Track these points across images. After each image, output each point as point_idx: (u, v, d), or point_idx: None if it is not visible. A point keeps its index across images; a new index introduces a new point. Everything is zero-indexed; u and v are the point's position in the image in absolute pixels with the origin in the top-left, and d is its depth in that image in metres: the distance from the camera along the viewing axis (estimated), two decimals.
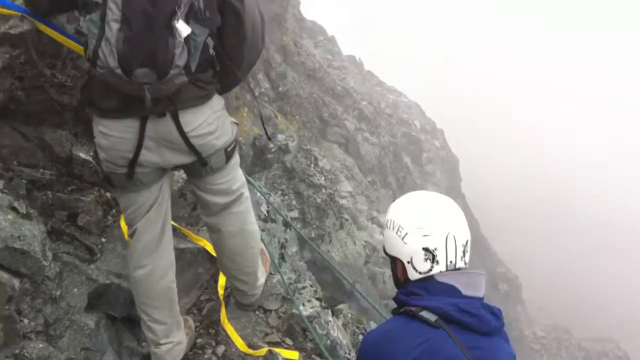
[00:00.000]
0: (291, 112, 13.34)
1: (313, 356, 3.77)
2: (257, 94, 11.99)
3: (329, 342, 3.88)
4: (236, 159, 2.97)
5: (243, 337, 3.58)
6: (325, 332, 3.90)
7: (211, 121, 2.64)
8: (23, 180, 3.04)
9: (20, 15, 2.69)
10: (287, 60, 14.53)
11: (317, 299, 4.17)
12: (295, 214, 9.34)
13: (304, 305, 4.01)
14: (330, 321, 4.03)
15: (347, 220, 10.74)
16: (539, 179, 48.15)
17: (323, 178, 10.38)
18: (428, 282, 1.84)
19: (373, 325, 9.01)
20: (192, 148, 2.61)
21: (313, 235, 9.42)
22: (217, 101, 2.70)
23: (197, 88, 2.53)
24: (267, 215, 5.16)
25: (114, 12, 2.14)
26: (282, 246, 5.34)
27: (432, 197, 2.02)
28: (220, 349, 3.47)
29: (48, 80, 3.06)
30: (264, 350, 3.52)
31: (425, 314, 1.76)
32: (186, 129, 2.53)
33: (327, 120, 14.79)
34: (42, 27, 2.75)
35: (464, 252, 1.87)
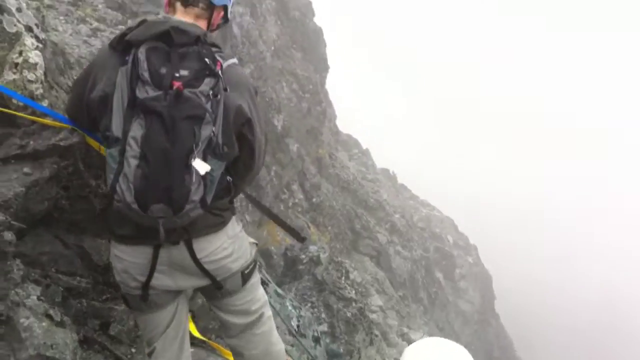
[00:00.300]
0: (324, 223, 13.43)
1: None
2: (290, 204, 12.17)
3: None
4: (255, 279, 2.91)
5: None
6: None
7: (226, 246, 2.62)
8: (60, 288, 3.08)
9: (70, 127, 2.84)
10: (322, 172, 14.83)
11: None
12: (324, 327, 9.17)
13: None
14: None
15: (377, 336, 10.50)
16: (579, 301, 46.70)
17: (354, 291, 10.28)
18: None
19: None
20: (205, 272, 2.58)
21: (342, 350, 9.20)
22: (233, 226, 2.68)
23: (213, 216, 2.53)
24: (297, 329, 5.10)
25: (133, 148, 2.19)
26: None
27: (445, 349, 1.98)
28: None
29: (93, 190, 3.15)
30: None
31: None
32: (199, 255, 2.52)
33: (359, 232, 14.83)
34: (90, 141, 2.89)
35: None
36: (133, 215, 2.24)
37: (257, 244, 2.95)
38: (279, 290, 5.02)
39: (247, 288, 2.81)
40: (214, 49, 2.41)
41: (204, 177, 2.26)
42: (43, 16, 3.38)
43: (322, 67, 17.05)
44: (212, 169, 2.30)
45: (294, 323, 5.01)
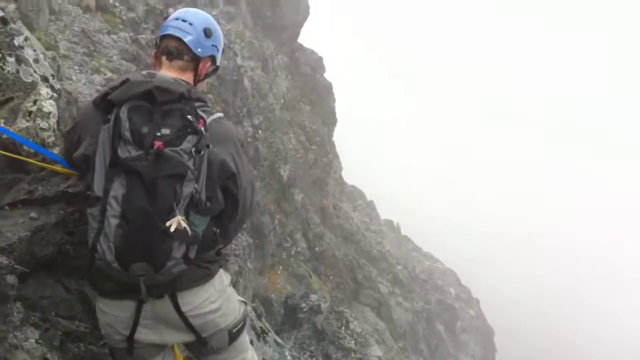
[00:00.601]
0: (325, 273, 13.45)
1: None
2: (293, 252, 12.22)
3: None
4: (243, 338, 2.82)
5: None
6: None
7: (214, 299, 2.56)
8: (59, 332, 3.06)
9: (78, 174, 2.80)
10: (326, 222, 14.93)
11: None
12: None
13: None
14: None
15: None
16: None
17: (353, 342, 10.21)
18: None
19: None
20: (191, 327, 2.50)
21: None
22: (221, 279, 2.63)
23: (199, 268, 2.48)
24: None
25: (113, 207, 2.21)
26: None
27: None
28: None
29: None
30: None
31: None
32: (185, 308, 2.46)
33: (360, 282, 14.81)
34: None
35: None
36: (114, 273, 2.24)
37: (246, 303, 2.89)
38: (279, 340, 5.02)
39: (235, 347, 2.75)
40: (197, 104, 2.43)
41: (185, 234, 2.24)
42: (59, 66, 3.50)
43: (330, 120, 17.37)
44: (195, 225, 2.29)
45: None
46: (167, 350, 2.72)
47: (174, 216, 2.20)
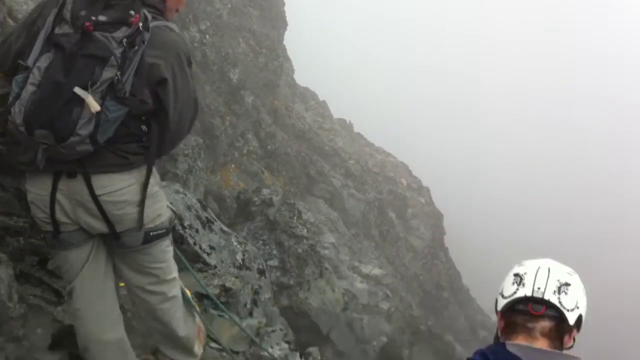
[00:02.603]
0: (278, 169, 14.03)
1: None
2: (245, 151, 12.77)
3: None
4: (162, 247, 2.87)
5: None
6: None
7: (133, 192, 2.60)
8: None
9: (4, 76, 2.76)
10: (278, 122, 15.35)
11: (286, 342, 4.44)
12: (275, 262, 9.98)
13: (272, 347, 4.25)
14: None
15: (327, 269, 11.36)
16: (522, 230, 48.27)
17: (305, 230, 11.02)
18: (498, 347, 1.75)
19: None
20: (104, 215, 2.57)
21: (292, 282, 10.06)
22: (141, 174, 2.65)
23: (116, 156, 2.52)
24: (242, 263, 5.68)
25: (35, 76, 2.31)
26: (255, 292, 5.73)
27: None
28: None
29: None
30: None
31: None
32: (98, 192, 2.50)
33: (313, 177, 15.48)
34: None
35: (559, 289, 1.74)
36: (21, 137, 2.34)
37: (175, 212, 2.99)
38: (224, 228, 5.64)
39: (152, 253, 2.81)
40: (148, 9, 2.50)
41: (97, 115, 2.30)
42: None
43: (280, 24, 17.50)
44: (109, 111, 2.34)
45: (239, 257, 5.63)
46: (97, 243, 2.79)
47: (87, 94, 2.28)
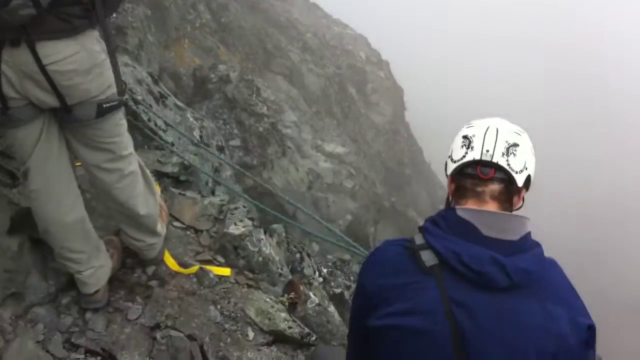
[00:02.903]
0: (234, 44, 13.37)
1: (245, 272, 3.91)
2: (197, 25, 11.99)
3: (260, 258, 4.04)
4: (116, 120, 2.78)
5: (174, 257, 3.63)
6: (257, 249, 4.03)
7: (81, 60, 2.49)
8: None
9: None
10: None
11: (249, 218, 4.26)
12: (237, 142, 9.59)
13: (235, 224, 4.08)
14: (262, 239, 4.15)
15: (289, 148, 11.05)
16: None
17: (265, 107, 10.59)
18: (448, 213, 1.69)
19: (316, 247, 9.49)
20: (54, 87, 2.46)
21: (255, 162, 9.72)
22: (92, 40, 2.54)
23: (60, 20, 2.39)
24: (200, 139, 5.30)
25: None
26: (216, 170, 5.46)
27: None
28: (151, 269, 3.47)
29: None
30: (195, 268, 3.59)
31: (425, 255, 1.64)
32: (45, 61, 2.39)
33: (270, 51, 14.84)
34: None
35: (507, 151, 1.69)
36: None
37: (126, 85, 2.95)
38: (179, 103, 5.15)
39: (105, 127, 2.72)
40: None
41: None
42: None
43: None
44: None
45: (197, 134, 5.22)
46: (47, 119, 2.68)
47: None
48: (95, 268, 3.03)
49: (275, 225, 4.98)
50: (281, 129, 11.54)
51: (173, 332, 3.20)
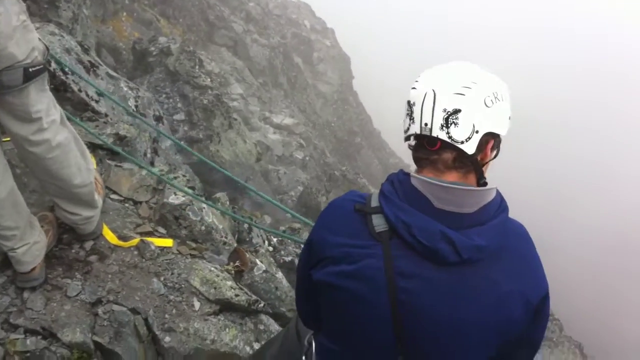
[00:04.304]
0: (174, 16, 13.02)
1: (188, 242, 3.85)
2: None
3: (203, 227, 3.97)
4: (41, 86, 2.69)
5: (113, 230, 3.56)
6: (199, 218, 3.97)
7: (4, 21, 2.38)
8: None
9: None
10: None
11: (190, 187, 4.18)
12: (181, 116, 9.40)
13: (175, 194, 4.00)
14: (204, 208, 4.09)
15: (235, 119, 10.90)
16: None
17: (209, 79, 10.40)
18: (405, 178, 1.61)
19: (267, 219, 9.45)
20: None
21: (201, 136, 9.56)
22: (11, 0, 2.43)
23: None
24: (135, 109, 5.16)
25: None
26: (154, 140, 5.32)
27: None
28: (89, 244, 3.40)
29: None
30: (135, 241, 3.52)
31: (377, 219, 1.60)
32: None
33: (213, 22, 14.52)
34: None
35: (447, 122, 1.54)
36: None
37: (48, 49, 2.76)
38: (112, 72, 4.96)
39: (31, 91, 2.62)
40: None
41: None
42: None
43: None
44: None
45: (132, 103, 5.05)
46: None
47: None
48: (29, 245, 2.94)
49: (218, 194, 4.91)
50: (227, 101, 11.37)
51: (115, 307, 3.15)
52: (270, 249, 5.43)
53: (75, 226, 3.31)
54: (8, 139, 2.88)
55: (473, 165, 1.60)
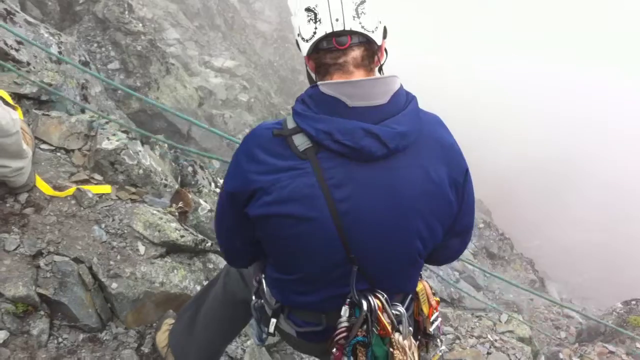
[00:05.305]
0: None
1: (127, 187, 3.77)
2: None
3: (141, 171, 3.90)
4: None
5: (47, 180, 3.48)
6: (135, 162, 3.89)
7: None
8: None
9: None
10: None
11: (123, 131, 4.08)
12: (116, 65, 9.12)
13: (108, 139, 3.89)
14: (140, 151, 4.01)
15: (173, 65, 10.64)
16: None
17: (141, 25, 10.05)
18: (314, 90, 1.60)
19: (216, 164, 9.36)
20: None
21: (138, 84, 9.32)
22: None
23: None
24: (60, 55, 4.92)
25: None
26: (83, 87, 5.14)
27: None
28: (23, 196, 3.32)
29: None
30: (71, 190, 3.43)
31: (298, 139, 1.58)
32: None
33: None
34: None
35: (357, 12, 1.57)
36: None
37: None
38: (30, 19, 4.69)
39: None
40: None
41: None
42: None
43: None
44: None
45: (54, 50, 4.79)
46: None
47: None
48: None
49: (157, 136, 4.76)
50: (163, 47, 11.06)
51: (57, 258, 3.08)
52: (218, 190, 5.38)
53: (6, 179, 3.20)
54: None
55: (377, 63, 1.66)
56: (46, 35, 4.71)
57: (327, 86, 1.56)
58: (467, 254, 11.72)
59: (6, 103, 3.21)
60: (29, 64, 4.22)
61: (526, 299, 11.04)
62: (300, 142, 1.58)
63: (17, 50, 4.17)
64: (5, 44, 4.09)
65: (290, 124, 1.62)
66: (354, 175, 1.55)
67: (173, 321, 3.07)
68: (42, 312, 2.93)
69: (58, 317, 3.00)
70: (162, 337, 3.04)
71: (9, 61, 4.03)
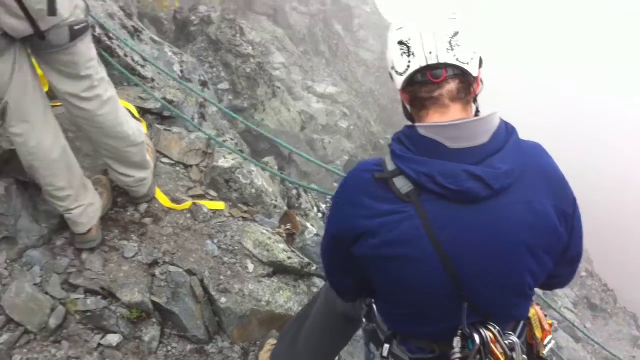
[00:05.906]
0: None
1: (239, 205, 3.87)
2: None
3: (253, 190, 3.99)
4: (88, 43, 2.69)
5: (165, 193, 3.59)
6: (249, 181, 3.99)
7: None
8: None
9: None
10: None
11: (239, 151, 4.18)
12: (225, 85, 9.42)
13: (225, 157, 4.01)
14: (253, 171, 4.10)
15: (279, 88, 10.88)
16: None
17: (251, 48, 10.37)
18: (411, 132, 1.57)
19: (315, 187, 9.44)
20: (26, 12, 2.33)
21: (246, 105, 9.58)
22: None
23: None
24: (181, 74, 5.15)
25: None
26: (201, 105, 5.34)
27: None
28: (143, 207, 3.44)
29: None
30: (188, 204, 3.54)
31: (399, 181, 1.56)
32: None
33: None
34: None
35: (451, 45, 1.54)
36: None
37: (87, 5, 2.73)
38: (156, 37, 4.93)
39: (78, 48, 2.62)
40: None
41: None
42: None
43: None
44: None
45: (177, 68, 5.04)
46: (19, 50, 2.54)
47: None
48: (85, 206, 2.97)
49: (266, 159, 4.89)
50: (269, 70, 11.34)
51: (172, 268, 3.17)
52: (320, 215, 5.41)
53: (129, 189, 3.34)
54: (58, 103, 2.89)
55: (473, 94, 1.62)
56: (170, 53, 4.93)
57: (426, 129, 1.54)
58: (567, 302, 11.20)
59: (133, 116, 3.34)
60: (153, 80, 4.44)
61: (628, 355, 10.37)
62: (402, 184, 1.55)
63: (142, 67, 4.39)
64: (133, 60, 4.31)
65: (390, 166, 1.60)
66: (458, 217, 1.53)
67: (275, 342, 3.07)
68: (154, 320, 3.01)
69: (169, 326, 3.08)
70: (264, 357, 3.05)
71: (135, 76, 4.24)
